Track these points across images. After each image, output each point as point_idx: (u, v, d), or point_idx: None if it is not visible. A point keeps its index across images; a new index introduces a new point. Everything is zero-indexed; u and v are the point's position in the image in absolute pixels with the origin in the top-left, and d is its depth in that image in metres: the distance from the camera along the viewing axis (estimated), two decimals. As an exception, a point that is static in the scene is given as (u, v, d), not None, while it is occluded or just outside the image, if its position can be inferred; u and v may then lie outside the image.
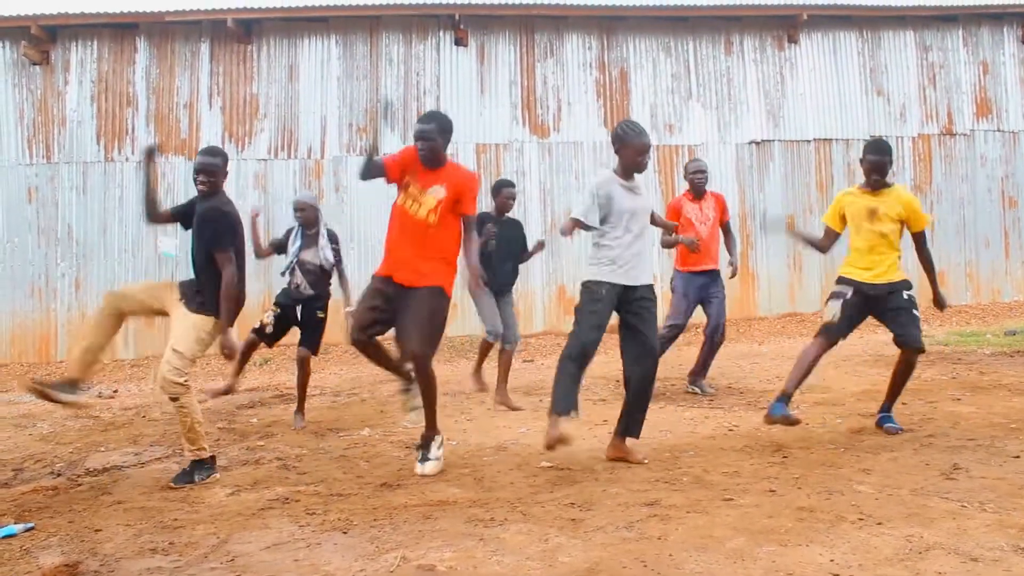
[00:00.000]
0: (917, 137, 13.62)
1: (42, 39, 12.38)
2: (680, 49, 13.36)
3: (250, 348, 6.51)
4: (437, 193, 4.55)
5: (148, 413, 7.34)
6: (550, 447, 4.33)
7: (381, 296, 4.51)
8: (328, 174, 12.62)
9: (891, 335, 4.98)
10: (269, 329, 6.39)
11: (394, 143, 12.53)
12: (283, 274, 6.55)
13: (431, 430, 4.53)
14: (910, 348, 4.89)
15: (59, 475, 4.89)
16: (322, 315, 6.48)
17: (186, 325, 4.57)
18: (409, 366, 4.59)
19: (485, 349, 6.86)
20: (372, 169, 4.66)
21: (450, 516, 3.56)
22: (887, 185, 5.06)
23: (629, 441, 4.58)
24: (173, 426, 6.49)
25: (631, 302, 4.55)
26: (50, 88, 12.54)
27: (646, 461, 4.47)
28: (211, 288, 4.64)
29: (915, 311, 4.93)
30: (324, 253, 6.45)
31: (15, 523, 3.72)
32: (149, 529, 3.61)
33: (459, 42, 12.90)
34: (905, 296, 4.93)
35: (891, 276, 4.96)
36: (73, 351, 4.72)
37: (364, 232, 12.28)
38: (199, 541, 3.41)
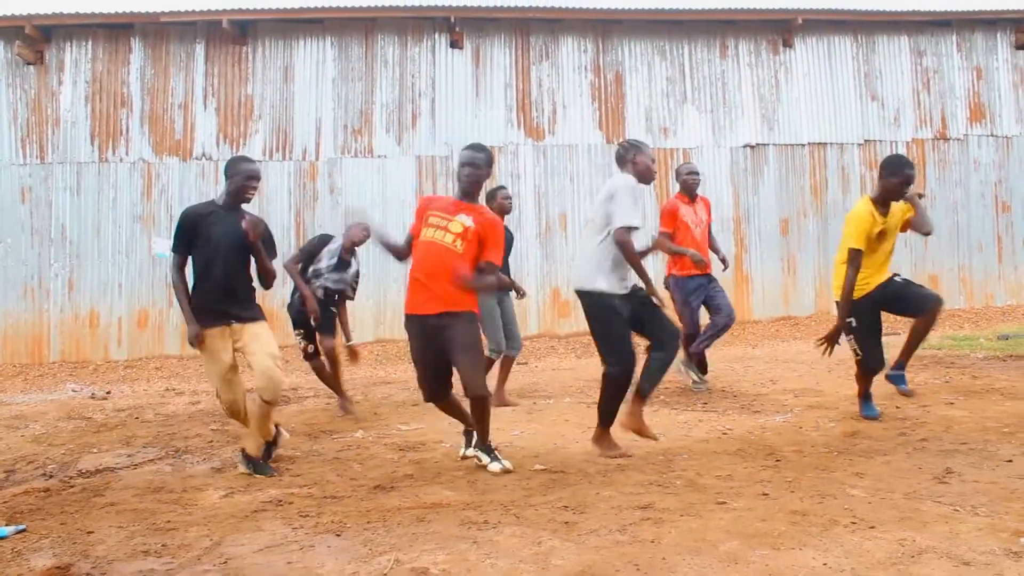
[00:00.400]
0: (911, 141, 13.66)
1: (36, 39, 12.36)
2: (675, 52, 13.39)
3: (322, 370, 6.78)
4: (464, 220, 4.44)
5: (141, 415, 7.32)
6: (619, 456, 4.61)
7: (424, 339, 4.52)
8: (323, 176, 12.62)
9: (909, 317, 5.32)
10: (311, 348, 6.73)
11: (388, 145, 12.57)
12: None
13: (487, 439, 4.65)
14: (932, 305, 5.18)
15: (51, 477, 4.87)
16: (334, 310, 6.82)
17: (266, 332, 4.68)
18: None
19: (491, 364, 6.80)
20: (403, 248, 4.77)
21: (443, 519, 3.56)
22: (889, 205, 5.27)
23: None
24: (166, 428, 6.50)
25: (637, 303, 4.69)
26: (44, 88, 12.52)
27: (661, 437, 4.74)
28: (249, 294, 4.77)
29: (915, 283, 5.32)
30: (347, 281, 6.84)
31: (6, 525, 3.70)
32: (142, 531, 3.60)
33: (454, 44, 12.91)
34: (900, 279, 5.27)
35: (885, 275, 5.29)
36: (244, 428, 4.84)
37: (359, 234, 12.26)
38: (192, 543, 3.40)
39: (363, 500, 3.97)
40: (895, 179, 5.14)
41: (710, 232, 7.27)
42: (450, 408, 4.77)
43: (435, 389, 4.65)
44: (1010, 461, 4.11)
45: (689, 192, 7.05)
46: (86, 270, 12.29)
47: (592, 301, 4.68)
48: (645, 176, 4.75)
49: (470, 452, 4.72)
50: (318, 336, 6.71)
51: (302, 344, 6.72)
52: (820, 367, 8.25)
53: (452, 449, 5.13)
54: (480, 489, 4.08)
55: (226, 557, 3.21)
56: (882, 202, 5.23)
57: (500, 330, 6.69)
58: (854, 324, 5.19)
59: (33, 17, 12.17)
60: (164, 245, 12.04)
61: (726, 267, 7.27)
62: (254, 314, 4.69)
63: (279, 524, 3.62)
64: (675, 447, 4.85)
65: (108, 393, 9.21)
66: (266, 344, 4.57)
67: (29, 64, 12.46)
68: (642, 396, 4.70)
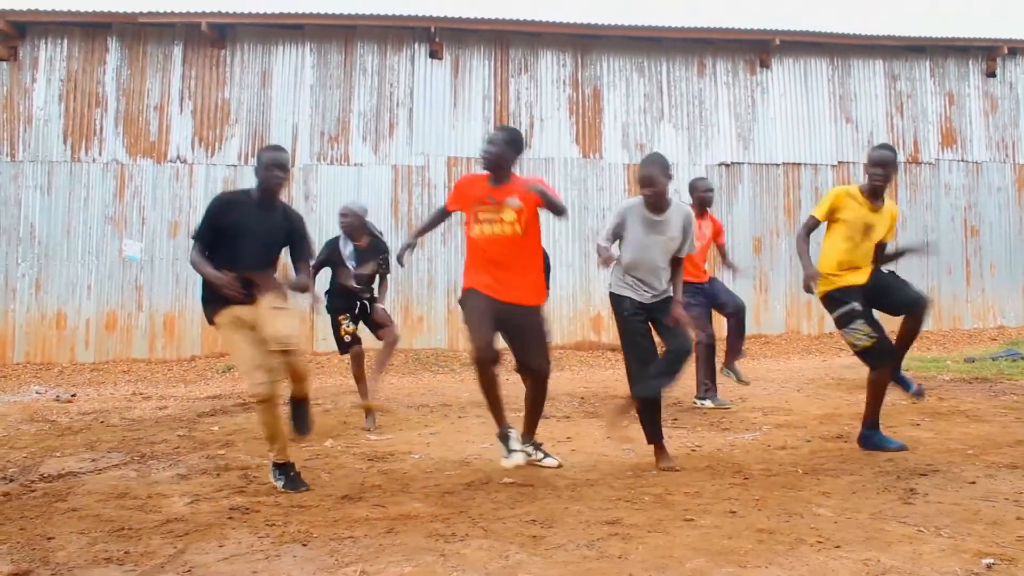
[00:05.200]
0: (883, 164, 13.81)
1: (10, 35, 12.22)
2: (653, 70, 13.48)
3: (359, 361, 6.61)
4: (513, 203, 4.50)
5: (107, 419, 7.23)
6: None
7: (491, 310, 4.48)
8: (298, 182, 12.56)
9: (896, 315, 5.12)
10: (354, 331, 6.63)
11: (365, 153, 12.54)
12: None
13: (533, 433, 4.79)
14: (920, 306, 5.02)
15: (12, 480, 4.79)
16: (369, 296, 6.73)
17: (290, 315, 4.45)
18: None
19: None
20: (436, 218, 5.02)
21: (411, 530, 3.54)
22: (883, 200, 5.14)
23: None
24: (132, 432, 6.42)
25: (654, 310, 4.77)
26: (17, 85, 12.38)
27: (631, 453, 4.84)
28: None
29: (902, 279, 5.16)
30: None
31: (-35, 528, 3.64)
32: (104, 538, 3.55)
33: (434, 55, 12.93)
34: (885, 271, 5.14)
35: (868, 273, 5.11)
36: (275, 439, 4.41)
37: (333, 241, 12.23)
38: (156, 551, 3.35)
39: (330, 510, 3.94)
40: (867, 164, 5.11)
41: (723, 250, 7.53)
42: (491, 384, 4.53)
43: (492, 345, 4.42)
44: (974, 483, 4.15)
45: (702, 207, 7.13)
46: (54, 270, 12.13)
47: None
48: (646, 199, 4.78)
49: (516, 453, 4.54)
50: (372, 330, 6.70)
51: (348, 327, 6.60)
52: (790, 386, 8.32)
53: (421, 460, 5.11)
54: (448, 501, 4.06)
55: (190, 565, 3.16)
56: (870, 192, 5.08)
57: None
58: (858, 308, 4.88)
59: (7, 13, 12.04)
60: (135, 247, 11.95)
61: (735, 274, 7.63)
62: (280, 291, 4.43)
63: (245, 533, 3.58)
64: (644, 463, 4.86)
65: (73, 396, 9.09)
66: (282, 323, 4.27)
67: (2, 60, 12.33)
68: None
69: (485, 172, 4.66)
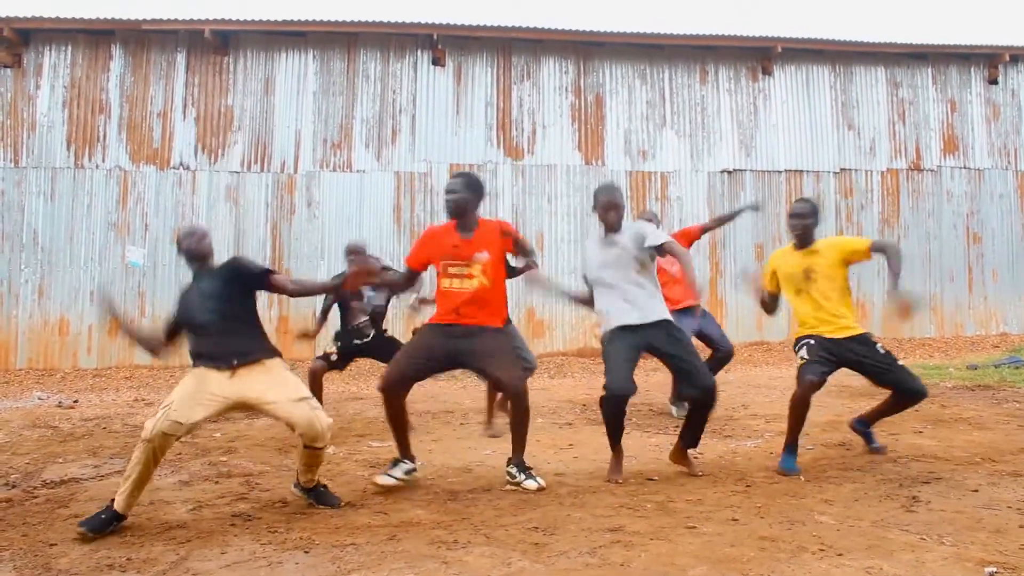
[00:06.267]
0: (886, 171, 13.85)
1: (14, 42, 12.26)
2: (656, 77, 13.50)
3: (317, 377, 6.57)
4: (482, 258, 4.56)
5: (109, 425, 7.23)
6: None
7: (433, 350, 4.54)
8: (301, 189, 12.58)
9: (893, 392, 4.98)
10: (334, 358, 6.64)
11: (368, 160, 12.56)
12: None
13: (520, 455, 4.59)
14: (916, 396, 4.88)
15: (14, 487, 4.80)
16: (388, 335, 6.82)
17: (283, 377, 4.11)
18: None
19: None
20: (403, 280, 4.86)
21: (413, 537, 3.54)
22: (812, 241, 5.07)
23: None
24: (134, 439, 6.38)
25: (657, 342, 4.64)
26: (20, 92, 12.41)
27: (701, 474, 4.65)
28: (254, 334, 4.22)
29: (899, 363, 4.91)
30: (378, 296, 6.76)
31: (-32, 535, 3.64)
32: (106, 544, 3.55)
33: (436, 62, 12.95)
34: (880, 351, 4.89)
35: (848, 330, 4.92)
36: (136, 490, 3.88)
37: (335, 247, 12.28)
38: (158, 558, 3.35)
39: (332, 517, 3.94)
40: (788, 216, 5.21)
41: (705, 230, 7.48)
42: (398, 411, 4.53)
43: (404, 382, 4.52)
44: (976, 491, 4.15)
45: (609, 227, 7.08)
46: (57, 277, 12.15)
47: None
48: (602, 221, 4.84)
49: (398, 476, 4.52)
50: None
51: (330, 348, 6.67)
52: (791, 393, 8.30)
53: (423, 467, 5.11)
54: (450, 508, 4.06)
55: (192, 572, 3.17)
56: (797, 243, 5.11)
57: None
58: (811, 343, 4.89)
59: (12, 20, 12.08)
60: (138, 254, 11.96)
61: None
62: (259, 356, 4.11)
63: (247, 540, 3.58)
64: (646, 470, 4.86)
65: (75, 402, 9.09)
66: (295, 389, 4.05)
67: (6, 67, 12.36)
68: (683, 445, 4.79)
69: (450, 221, 4.69)
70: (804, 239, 5.09)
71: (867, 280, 12.47)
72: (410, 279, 4.81)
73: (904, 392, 4.89)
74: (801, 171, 13.63)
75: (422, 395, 8.47)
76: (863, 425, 5.25)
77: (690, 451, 4.85)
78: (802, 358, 4.91)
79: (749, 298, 11.93)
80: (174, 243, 4.36)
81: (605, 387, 4.49)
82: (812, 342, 4.91)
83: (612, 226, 4.76)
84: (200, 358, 4.07)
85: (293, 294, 4.32)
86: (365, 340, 6.69)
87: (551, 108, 13.22)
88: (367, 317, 6.64)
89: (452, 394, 8.70)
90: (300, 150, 12.66)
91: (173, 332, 4.32)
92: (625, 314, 4.64)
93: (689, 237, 7.21)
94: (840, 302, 4.97)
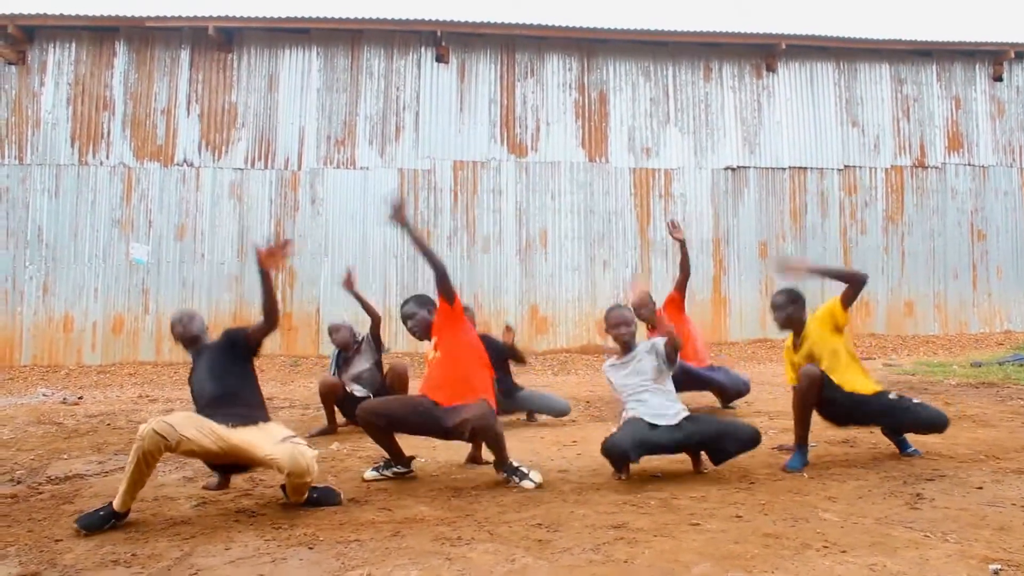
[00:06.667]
0: (890, 168, 13.83)
1: (19, 39, 12.28)
2: (659, 74, 13.49)
3: (331, 391, 6.54)
4: (430, 345, 4.88)
5: (113, 421, 7.24)
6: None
7: (416, 409, 4.64)
8: (304, 186, 12.59)
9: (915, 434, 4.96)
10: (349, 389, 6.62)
11: (371, 157, 12.56)
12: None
13: (504, 461, 4.62)
14: (940, 430, 4.77)
15: (19, 483, 4.81)
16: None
17: (270, 430, 4.15)
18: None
19: None
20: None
21: (417, 534, 3.54)
22: (803, 327, 5.06)
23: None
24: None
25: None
26: (25, 89, 12.44)
27: (705, 471, 4.67)
28: (254, 402, 4.34)
29: (915, 401, 4.84)
30: (369, 358, 6.75)
31: (-27, 530, 3.65)
32: (111, 540, 3.56)
33: (440, 59, 12.95)
34: (894, 395, 4.84)
35: (864, 390, 4.89)
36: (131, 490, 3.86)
37: (338, 243, 12.30)
38: (162, 553, 3.36)
39: (336, 513, 3.94)
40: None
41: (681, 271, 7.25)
42: (376, 434, 4.68)
43: (380, 417, 4.60)
44: (980, 488, 4.14)
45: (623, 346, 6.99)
46: (62, 273, 12.17)
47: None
48: (616, 342, 4.92)
49: (385, 474, 4.74)
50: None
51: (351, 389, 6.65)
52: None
53: (427, 464, 5.11)
54: (454, 505, 4.06)
55: (196, 568, 3.17)
56: (791, 332, 5.13)
57: None
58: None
59: (16, 17, 12.10)
60: (143, 251, 11.99)
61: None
62: (254, 419, 4.20)
63: (251, 536, 3.59)
64: (650, 467, 4.85)
65: (80, 398, 9.11)
66: (282, 435, 4.06)
67: (11, 64, 12.38)
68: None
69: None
70: (794, 329, 5.07)
71: (871, 280, 12.43)
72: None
73: (934, 430, 4.78)
74: (805, 168, 13.61)
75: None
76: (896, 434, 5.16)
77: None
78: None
79: (757, 292, 11.82)
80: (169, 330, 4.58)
81: (610, 438, 4.52)
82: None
83: (625, 344, 4.86)
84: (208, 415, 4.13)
85: (268, 323, 4.31)
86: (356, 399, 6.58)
87: (555, 105, 13.21)
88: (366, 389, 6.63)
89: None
90: (304, 147, 12.68)
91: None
92: (656, 419, 4.63)
93: (676, 302, 7.17)
94: (848, 370, 4.92)
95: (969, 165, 14.16)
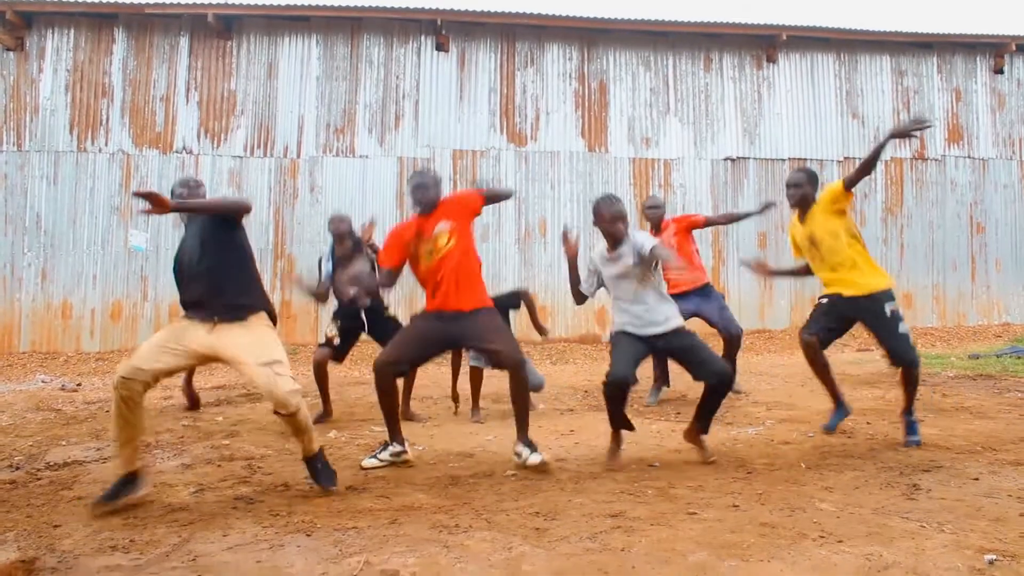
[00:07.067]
0: (890, 160, 13.82)
1: (17, 25, 12.24)
2: (659, 64, 13.46)
3: (322, 366, 6.48)
4: (443, 227, 4.73)
5: (112, 408, 7.23)
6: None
7: (422, 336, 4.71)
8: (304, 174, 12.57)
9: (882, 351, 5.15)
10: (336, 340, 6.48)
11: (370, 145, 12.54)
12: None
13: (526, 434, 4.68)
14: (903, 365, 5.03)
15: (18, 468, 4.81)
16: (389, 315, 6.63)
17: (260, 337, 4.03)
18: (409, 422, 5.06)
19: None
20: (383, 279, 4.87)
21: (415, 521, 3.55)
22: (811, 205, 5.24)
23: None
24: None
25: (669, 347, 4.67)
26: (23, 75, 12.40)
27: (713, 460, 4.65)
28: (239, 285, 4.12)
29: (900, 326, 5.04)
30: (366, 262, 6.47)
31: (-29, 516, 3.66)
32: (109, 526, 3.57)
33: (440, 47, 12.92)
34: (887, 312, 5.03)
35: (863, 287, 5.06)
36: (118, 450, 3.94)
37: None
38: (160, 539, 3.37)
39: (334, 501, 3.95)
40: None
41: (709, 222, 7.53)
42: (388, 393, 4.67)
43: (396, 365, 4.63)
44: (977, 479, 4.16)
45: (654, 225, 7.14)
46: (60, 260, 12.17)
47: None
48: (607, 236, 4.85)
49: (383, 459, 4.71)
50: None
51: (330, 331, 6.52)
52: (793, 381, 8.33)
53: (425, 452, 5.12)
54: (452, 493, 4.07)
55: (194, 554, 3.18)
56: (796, 212, 5.35)
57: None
58: (824, 303, 5.21)
59: (14, 3, 12.06)
60: (141, 238, 11.96)
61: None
62: (240, 313, 4.04)
63: (249, 522, 3.60)
64: (647, 456, 4.87)
65: (79, 385, 9.12)
66: (262, 352, 3.94)
67: (9, 50, 12.35)
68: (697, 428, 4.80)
69: (414, 214, 4.94)
70: (802, 207, 5.25)
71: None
72: (390, 278, 4.85)
73: (896, 360, 5.05)
74: (805, 159, 13.59)
75: (425, 380, 8.49)
76: (909, 415, 5.20)
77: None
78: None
79: (756, 284, 11.87)
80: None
81: (607, 375, 4.52)
82: (823, 302, 5.21)
83: (618, 240, 4.78)
84: (186, 307, 4.14)
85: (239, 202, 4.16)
86: (363, 311, 6.47)
87: (555, 95, 13.19)
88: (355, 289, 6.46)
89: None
90: (303, 135, 12.66)
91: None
92: (632, 327, 4.71)
93: (690, 223, 7.29)
94: (852, 255, 5.10)
95: (969, 158, 14.15)
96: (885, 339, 5.06)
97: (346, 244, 6.56)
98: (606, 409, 4.68)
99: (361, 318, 6.51)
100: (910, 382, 5.08)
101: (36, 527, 3.57)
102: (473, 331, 4.67)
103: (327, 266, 6.58)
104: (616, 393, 4.54)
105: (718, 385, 4.56)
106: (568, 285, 5.20)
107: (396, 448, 4.72)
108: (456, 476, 4.45)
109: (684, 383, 7.46)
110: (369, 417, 6.52)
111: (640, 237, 4.75)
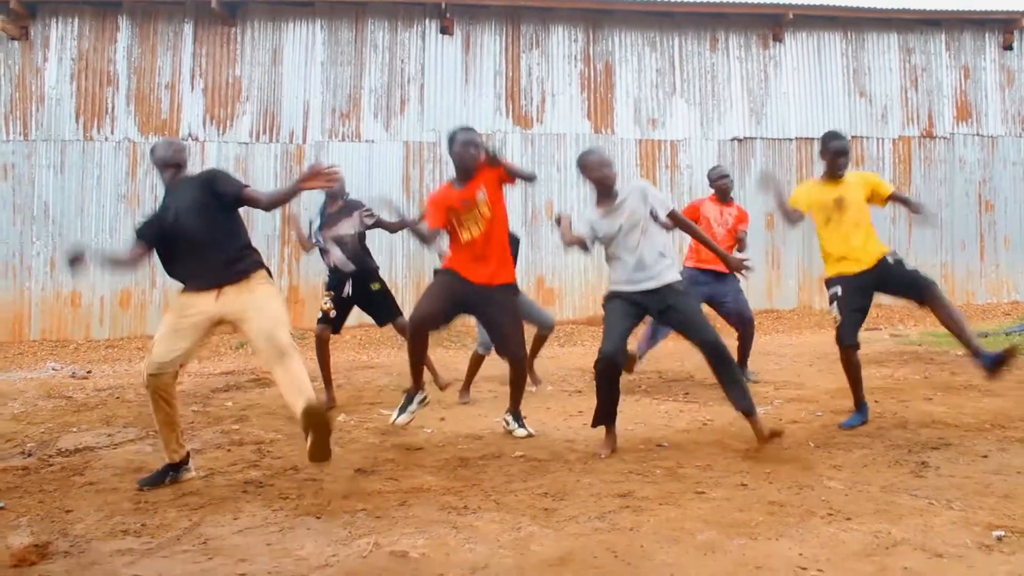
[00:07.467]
0: (898, 139, 13.73)
1: (21, 14, 12.22)
2: (665, 44, 13.38)
3: (324, 343, 6.42)
4: (482, 197, 4.79)
5: (122, 394, 7.29)
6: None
7: (452, 294, 4.80)
8: (309, 159, 12.55)
9: (913, 301, 5.01)
10: (333, 313, 6.41)
11: (376, 130, 12.52)
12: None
13: (518, 407, 5.07)
14: (932, 298, 4.86)
15: (30, 455, 4.85)
16: (377, 286, 6.53)
17: (264, 295, 4.05)
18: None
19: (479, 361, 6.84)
20: (428, 238, 4.86)
21: (424, 503, 3.57)
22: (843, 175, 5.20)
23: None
24: (147, 408, 6.43)
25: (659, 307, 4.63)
26: (28, 64, 12.40)
27: (781, 432, 4.46)
28: (239, 248, 4.14)
29: (910, 269, 4.99)
30: (356, 221, 6.46)
31: (-15, 502, 3.69)
32: (121, 511, 3.60)
33: (445, 31, 12.86)
34: (892, 261, 4.99)
35: (872, 256, 5.02)
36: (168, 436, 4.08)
37: (345, 218, 12.27)
38: (171, 523, 3.40)
39: (344, 483, 3.97)
40: (825, 153, 5.26)
41: (739, 236, 7.11)
42: (421, 350, 4.84)
43: (431, 318, 4.72)
44: (985, 456, 4.16)
45: (721, 195, 7.03)
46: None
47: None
48: (600, 190, 4.78)
49: (413, 410, 4.97)
50: (378, 321, 6.66)
51: (325, 304, 6.44)
52: (802, 360, 8.32)
53: (434, 434, 5.14)
54: (461, 475, 4.09)
55: (205, 538, 3.21)
56: (827, 175, 5.26)
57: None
58: (839, 293, 5.05)
59: (19, -8, 12.03)
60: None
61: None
62: (238, 273, 4.06)
63: (259, 506, 3.62)
64: (655, 436, 4.88)
65: (89, 372, 9.17)
66: (270, 318, 3.95)
67: (13, 40, 12.33)
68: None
69: (451, 179, 4.97)
70: (838, 175, 5.20)
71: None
72: (434, 235, 4.86)
73: (928, 299, 4.88)
74: (812, 139, 13.50)
75: (434, 363, 8.49)
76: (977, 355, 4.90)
77: (698, 421, 4.86)
78: (836, 318, 5.09)
79: (764, 264, 11.77)
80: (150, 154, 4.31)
81: (599, 351, 4.50)
82: (841, 291, 5.04)
83: (610, 185, 4.72)
84: (185, 279, 4.14)
85: (267, 207, 4.11)
86: (346, 274, 6.41)
87: (560, 77, 13.12)
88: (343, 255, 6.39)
89: (463, 363, 8.72)
90: (308, 120, 12.63)
91: (142, 252, 4.22)
92: (628, 285, 4.63)
93: (741, 220, 7.12)
94: (869, 225, 5.10)
95: (978, 135, 14.04)
96: (911, 287, 4.92)
97: (337, 203, 6.54)
98: (596, 394, 4.58)
99: (346, 286, 6.42)
100: (948, 312, 4.86)
101: (48, 512, 3.60)
102: (492, 306, 4.86)
103: (315, 221, 6.55)
104: (608, 370, 4.47)
105: (711, 352, 4.50)
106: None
107: (420, 395, 4.99)
108: (465, 458, 4.47)
109: (693, 363, 7.46)
110: (377, 400, 6.54)
111: (648, 188, 4.71)
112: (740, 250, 7.06)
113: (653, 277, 4.60)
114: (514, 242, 6.63)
